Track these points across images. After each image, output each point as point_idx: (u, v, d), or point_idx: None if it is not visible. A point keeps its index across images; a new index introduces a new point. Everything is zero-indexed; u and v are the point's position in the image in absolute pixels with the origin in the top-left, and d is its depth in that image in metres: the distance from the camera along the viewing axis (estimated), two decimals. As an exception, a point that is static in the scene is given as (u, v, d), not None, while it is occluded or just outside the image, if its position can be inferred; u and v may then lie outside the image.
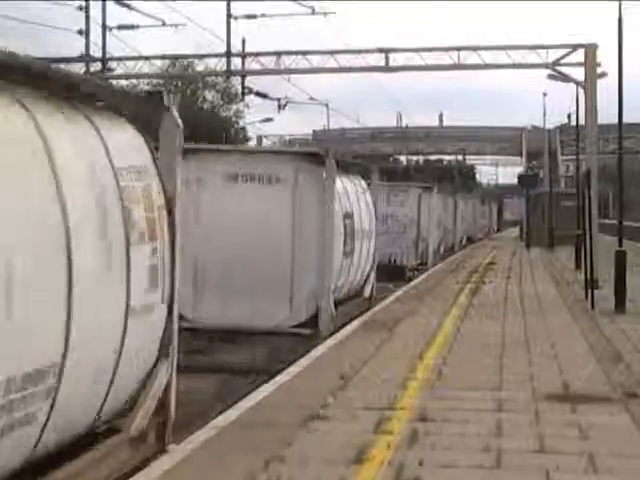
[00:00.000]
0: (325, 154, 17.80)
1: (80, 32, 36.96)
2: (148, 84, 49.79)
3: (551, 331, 17.33)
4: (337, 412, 10.16)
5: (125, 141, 8.24)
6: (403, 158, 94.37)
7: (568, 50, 33.39)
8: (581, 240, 27.58)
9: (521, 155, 78.91)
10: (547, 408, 10.45)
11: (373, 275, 23.89)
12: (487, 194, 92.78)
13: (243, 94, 42.47)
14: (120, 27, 38.54)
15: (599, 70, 32.42)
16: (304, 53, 36.65)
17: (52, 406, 6.44)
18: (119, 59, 38.02)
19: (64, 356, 6.44)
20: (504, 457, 8.39)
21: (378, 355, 14.44)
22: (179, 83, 50.33)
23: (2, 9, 41.07)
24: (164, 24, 38.07)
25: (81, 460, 7.22)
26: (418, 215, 38.31)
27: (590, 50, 32.22)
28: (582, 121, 34.73)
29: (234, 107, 51.60)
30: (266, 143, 69.20)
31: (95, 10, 37.87)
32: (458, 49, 35.01)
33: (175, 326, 8.75)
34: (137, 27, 39.17)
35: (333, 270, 17.89)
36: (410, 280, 32.14)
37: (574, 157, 47.70)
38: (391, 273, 32.37)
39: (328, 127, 79.22)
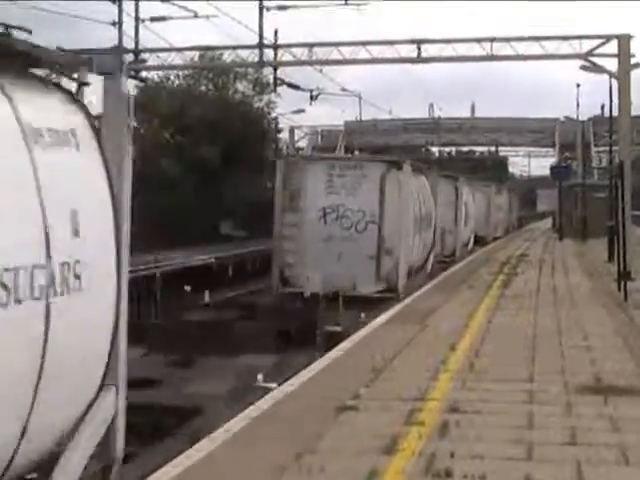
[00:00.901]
0: None
1: (113, 24, 37.13)
2: (178, 76, 49.93)
3: (583, 323, 17.26)
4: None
5: None
6: (435, 150, 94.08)
7: (601, 41, 33.14)
8: (614, 232, 27.39)
9: (554, 146, 78.34)
10: (579, 400, 10.43)
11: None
12: (514, 183, 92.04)
13: (275, 85, 42.49)
14: (152, 19, 38.63)
15: (633, 61, 32.21)
16: (336, 44, 36.62)
17: None
18: (151, 50, 38.13)
19: None
20: (535, 449, 8.39)
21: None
22: (210, 74, 50.37)
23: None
24: (196, 16, 38.10)
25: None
26: (380, 209, 23.44)
27: (624, 41, 32.00)
28: (615, 112, 34.46)
29: (266, 97, 51.67)
30: (299, 134, 69.38)
31: (128, 3, 38.07)
32: (491, 40, 34.74)
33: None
34: (169, 19, 39.29)
35: None
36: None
37: (607, 148, 47.32)
38: (293, 325, 19.44)
39: (360, 118, 79.10)
